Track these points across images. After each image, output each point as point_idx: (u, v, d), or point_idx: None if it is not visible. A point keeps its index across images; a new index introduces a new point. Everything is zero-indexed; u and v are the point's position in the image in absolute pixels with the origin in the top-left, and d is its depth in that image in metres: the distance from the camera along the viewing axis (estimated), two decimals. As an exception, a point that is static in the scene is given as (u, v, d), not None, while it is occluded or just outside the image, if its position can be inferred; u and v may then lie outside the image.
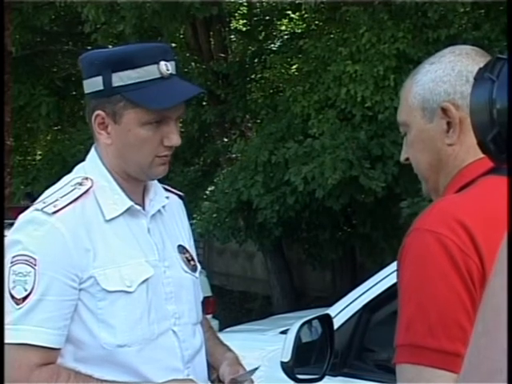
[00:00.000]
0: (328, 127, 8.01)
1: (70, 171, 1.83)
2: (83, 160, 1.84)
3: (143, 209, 1.80)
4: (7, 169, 13.63)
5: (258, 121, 10.92)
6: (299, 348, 2.23)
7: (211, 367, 1.88)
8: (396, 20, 7.85)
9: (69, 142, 12.37)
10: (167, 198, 1.89)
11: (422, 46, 7.72)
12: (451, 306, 1.16)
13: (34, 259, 1.62)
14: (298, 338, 2.25)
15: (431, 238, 1.20)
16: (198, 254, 1.98)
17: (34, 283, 1.61)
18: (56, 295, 1.63)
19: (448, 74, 1.38)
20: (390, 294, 2.49)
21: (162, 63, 1.69)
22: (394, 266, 2.12)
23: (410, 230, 1.24)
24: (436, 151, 1.38)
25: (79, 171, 1.79)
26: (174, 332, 1.76)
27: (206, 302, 2.15)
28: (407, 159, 1.47)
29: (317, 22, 10.26)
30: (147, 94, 1.67)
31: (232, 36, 12.34)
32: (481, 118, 1.02)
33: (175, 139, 1.72)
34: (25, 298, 1.62)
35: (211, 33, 11.28)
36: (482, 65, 1.03)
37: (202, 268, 2.22)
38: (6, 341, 1.62)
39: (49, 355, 1.64)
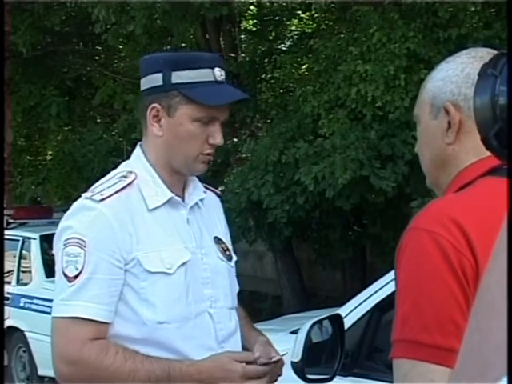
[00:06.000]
0: (338, 127, 8.00)
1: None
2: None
3: (183, 201, 1.95)
4: (18, 169, 13.69)
5: (268, 121, 10.91)
6: (310, 348, 2.23)
7: (245, 350, 2.01)
8: (406, 19, 7.83)
9: (79, 142, 12.35)
10: (205, 192, 2.05)
11: (433, 45, 7.70)
12: (445, 303, 1.19)
13: (84, 241, 1.78)
14: (308, 338, 2.25)
15: (426, 236, 1.22)
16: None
17: (84, 263, 1.78)
18: (104, 274, 1.79)
19: (456, 75, 1.40)
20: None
21: (217, 69, 1.89)
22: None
23: (407, 229, 1.27)
24: (437, 148, 1.41)
25: (125, 167, 1.95)
26: (209, 314, 1.91)
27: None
28: None
29: (327, 22, 10.26)
30: (201, 93, 1.85)
31: (242, 36, 12.35)
32: (484, 114, 1.01)
33: (219, 138, 1.89)
34: (76, 277, 1.78)
35: (221, 33, 11.28)
36: None
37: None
38: (60, 315, 1.79)
39: (99, 330, 1.78)
